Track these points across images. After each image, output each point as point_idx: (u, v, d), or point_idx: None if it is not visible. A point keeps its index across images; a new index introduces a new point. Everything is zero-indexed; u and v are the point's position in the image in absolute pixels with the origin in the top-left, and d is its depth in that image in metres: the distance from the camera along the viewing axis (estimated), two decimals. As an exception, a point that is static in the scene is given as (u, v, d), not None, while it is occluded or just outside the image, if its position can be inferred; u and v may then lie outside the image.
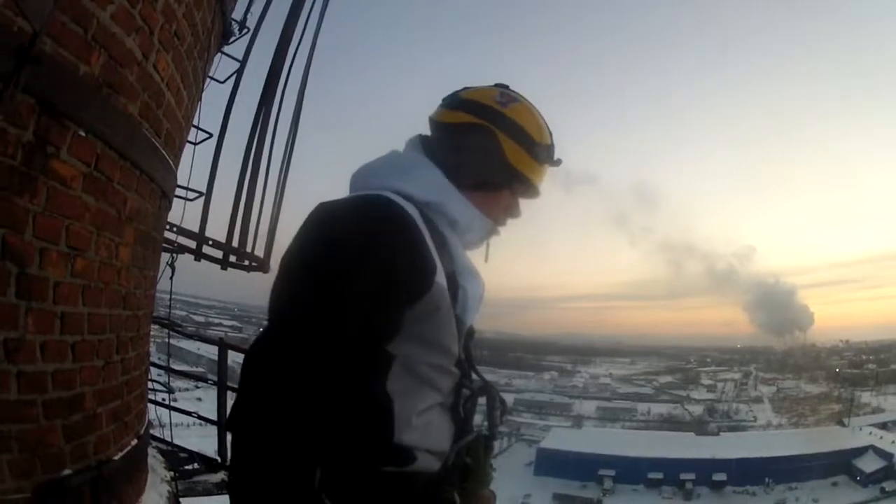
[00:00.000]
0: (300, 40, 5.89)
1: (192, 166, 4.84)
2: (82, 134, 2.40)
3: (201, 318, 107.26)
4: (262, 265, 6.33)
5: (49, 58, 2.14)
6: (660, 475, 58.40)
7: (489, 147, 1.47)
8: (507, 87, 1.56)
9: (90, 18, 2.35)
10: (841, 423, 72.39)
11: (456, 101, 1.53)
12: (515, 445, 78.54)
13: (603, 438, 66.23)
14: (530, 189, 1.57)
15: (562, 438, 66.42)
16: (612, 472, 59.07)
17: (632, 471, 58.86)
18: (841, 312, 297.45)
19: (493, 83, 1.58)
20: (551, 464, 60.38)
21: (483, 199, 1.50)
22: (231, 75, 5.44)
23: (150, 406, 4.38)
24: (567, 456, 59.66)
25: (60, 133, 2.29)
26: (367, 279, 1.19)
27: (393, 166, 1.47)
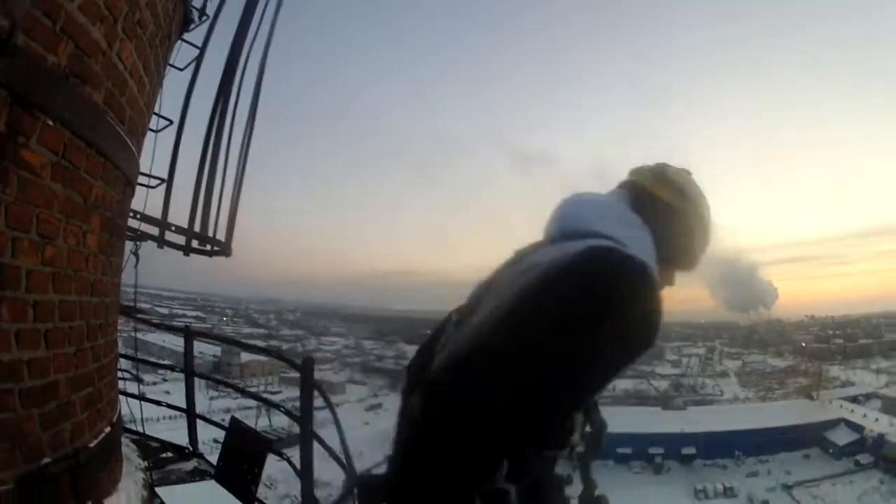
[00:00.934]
0: (258, 26, 5.88)
1: (153, 154, 4.82)
2: (50, 123, 2.42)
3: (165, 310, 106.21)
4: (224, 249, 6.33)
5: (21, 50, 2.16)
6: (628, 450, 58.86)
7: (688, 235, 1.68)
8: (689, 172, 1.78)
9: (59, 10, 2.36)
10: (810, 397, 73.64)
11: (667, 181, 1.69)
12: (483, 426, 79.23)
13: (569, 415, 66.77)
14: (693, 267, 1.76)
15: (529, 417, 66.74)
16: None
17: (600, 446, 59.33)
18: (805, 289, 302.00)
19: (681, 166, 1.78)
20: (520, 442, 60.57)
21: (662, 270, 1.61)
22: (191, 62, 5.41)
23: (121, 400, 4.38)
24: (535, 433, 59.96)
25: (31, 123, 2.31)
26: (623, 347, 1.24)
27: (619, 219, 1.56)
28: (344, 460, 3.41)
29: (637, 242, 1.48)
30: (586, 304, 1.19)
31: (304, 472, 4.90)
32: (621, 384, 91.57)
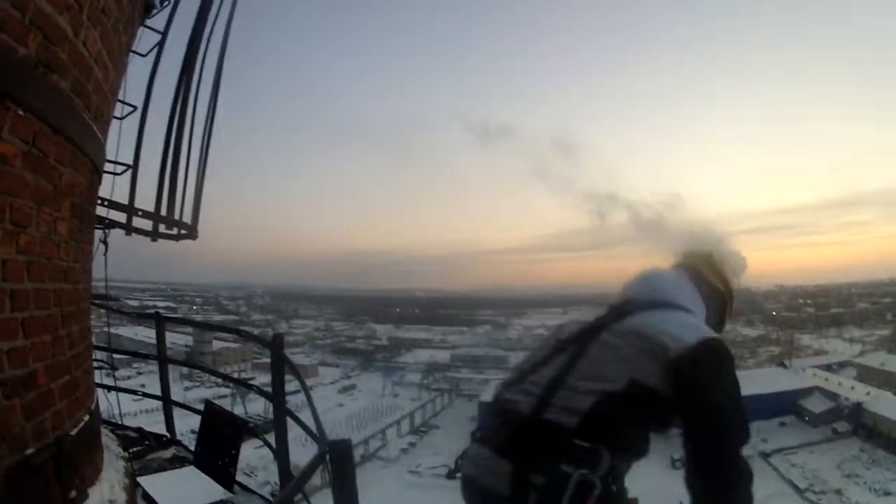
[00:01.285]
0: (219, 9, 5.87)
1: (119, 141, 4.80)
2: (21, 113, 2.43)
3: (136, 302, 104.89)
4: (190, 232, 6.35)
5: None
6: (603, 422, 59.19)
7: (725, 311, 2.51)
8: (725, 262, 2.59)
9: (28, 1, 2.38)
10: (783, 365, 74.70)
11: (717, 271, 2.51)
12: (457, 401, 79.50)
13: (543, 389, 67.04)
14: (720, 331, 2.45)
15: (502, 392, 66.86)
16: (554, 422, 59.86)
17: (574, 419, 59.53)
18: (774, 258, 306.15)
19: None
20: (493, 417, 60.76)
21: None
22: (153, 48, 5.36)
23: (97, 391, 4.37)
24: (509, 409, 60.04)
25: (2, 114, 2.33)
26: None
27: (691, 296, 2.33)
28: (317, 433, 3.46)
29: (700, 314, 2.29)
30: (729, 368, 1.99)
31: (280, 451, 4.95)
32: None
